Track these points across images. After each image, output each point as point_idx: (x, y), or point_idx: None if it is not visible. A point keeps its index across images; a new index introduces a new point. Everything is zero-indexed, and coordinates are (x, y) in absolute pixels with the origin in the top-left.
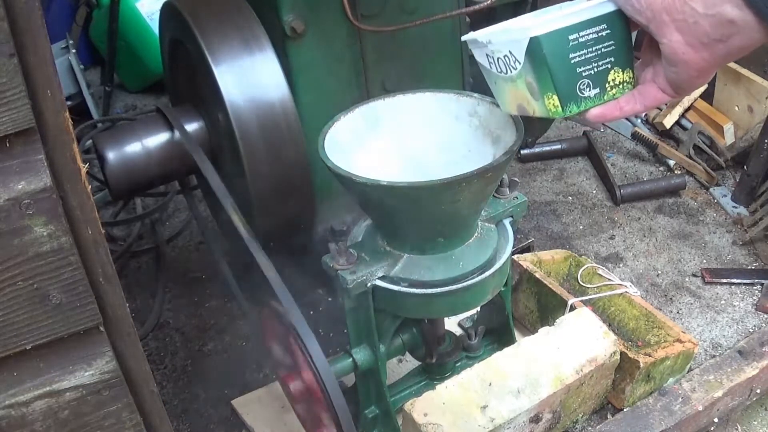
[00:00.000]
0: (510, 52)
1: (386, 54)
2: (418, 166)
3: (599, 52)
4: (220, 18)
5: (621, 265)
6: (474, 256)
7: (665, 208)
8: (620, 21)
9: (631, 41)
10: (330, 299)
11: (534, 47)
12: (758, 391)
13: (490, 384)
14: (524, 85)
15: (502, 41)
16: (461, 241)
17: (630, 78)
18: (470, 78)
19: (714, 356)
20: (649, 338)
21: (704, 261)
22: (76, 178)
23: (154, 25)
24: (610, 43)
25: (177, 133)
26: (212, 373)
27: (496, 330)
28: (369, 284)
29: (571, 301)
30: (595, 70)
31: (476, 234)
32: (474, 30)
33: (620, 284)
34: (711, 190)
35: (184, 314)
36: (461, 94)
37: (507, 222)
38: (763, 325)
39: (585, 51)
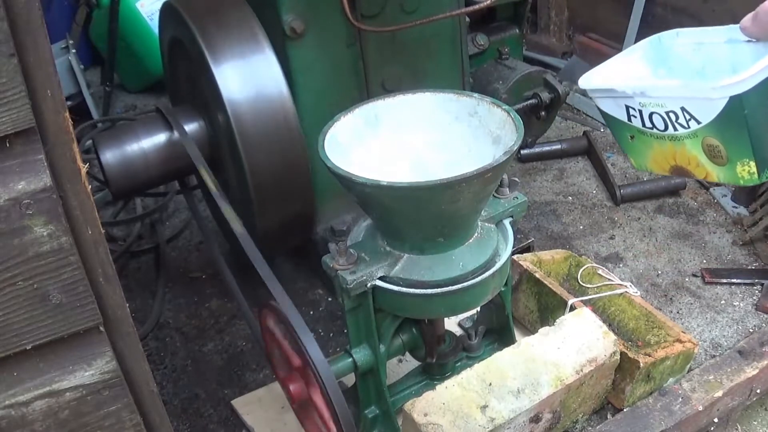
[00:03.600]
0: (683, 109)
1: (386, 54)
2: (418, 166)
3: None
4: (219, 18)
5: (621, 265)
6: (474, 256)
7: (665, 208)
8: None
9: None
10: (330, 299)
11: (732, 108)
12: (758, 391)
13: (490, 384)
14: (698, 147)
15: (669, 96)
16: (461, 241)
17: None
18: (470, 78)
19: (714, 356)
20: (649, 338)
21: (704, 261)
22: (76, 178)
23: (154, 25)
24: None
25: (176, 133)
26: (212, 373)
27: (496, 330)
28: (369, 284)
29: (571, 301)
30: None
31: (476, 234)
32: (473, 31)
33: (620, 284)
34: (711, 190)
35: (184, 314)
36: (461, 94)
37: (507, 222)
38: (763, 325)
39: None
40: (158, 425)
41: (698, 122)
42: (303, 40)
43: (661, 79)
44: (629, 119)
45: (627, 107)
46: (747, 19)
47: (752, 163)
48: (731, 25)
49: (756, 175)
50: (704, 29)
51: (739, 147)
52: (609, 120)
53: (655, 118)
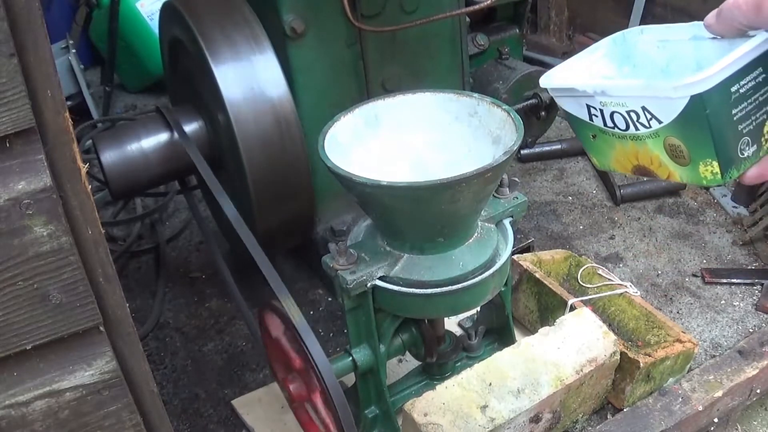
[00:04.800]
0: (644, 109)
1: (386, 54)
2: (418, 166)
3: (757, 102)
4: (220, 18)
5: (621, 265)
6: (474, 256)
7: (665, 208)
8: None
9: None
10: (330, 299)
11: (694, 107)
12: (758, 391)
13: (490, 384)
14: (660, 147)
15: (630, 96)
16: (461, 241)
17: None
18: (470, 78)
19: (714, 356)
20: (649, 338)
21: (704, 261)
22: (76, 178)
23: (154, 25)
24: (766, 89)
25: (176, 133)
26: (212, 373)
27: (496, 330)
28: (369, 284)
29: (571, 301)
30: (754, 124)
31: (476, 234)
32: (473, 31)
33: (620, 284)
34: (711, 190)
35: (184, 314)
36: (461, 94)
37: (507, 222)
38: (763, 325)
39: (745, 104)
40: (158, 425)
41: (659, 122)
42: (303, 40)
43: (625, 78)
44: (591, 119)
45: (588, 106)
46: (711, 16)
47: (715, 163)
48: (696, 22)
49: (719, 176)
50: (669, 26)
51: (701, 147)
52: (571, 119)
53: (616, 117)
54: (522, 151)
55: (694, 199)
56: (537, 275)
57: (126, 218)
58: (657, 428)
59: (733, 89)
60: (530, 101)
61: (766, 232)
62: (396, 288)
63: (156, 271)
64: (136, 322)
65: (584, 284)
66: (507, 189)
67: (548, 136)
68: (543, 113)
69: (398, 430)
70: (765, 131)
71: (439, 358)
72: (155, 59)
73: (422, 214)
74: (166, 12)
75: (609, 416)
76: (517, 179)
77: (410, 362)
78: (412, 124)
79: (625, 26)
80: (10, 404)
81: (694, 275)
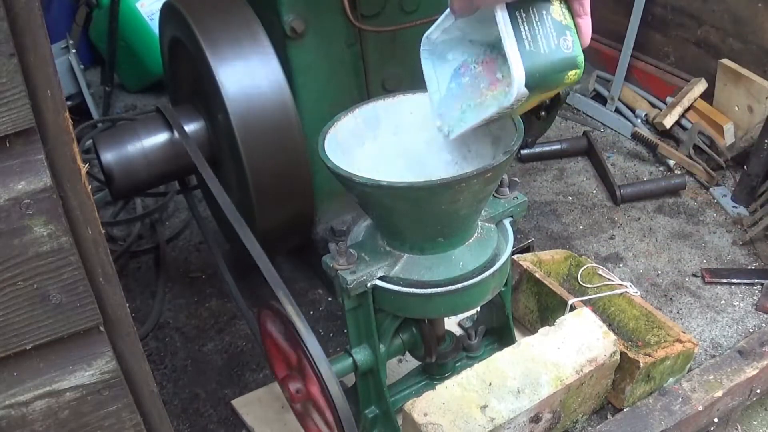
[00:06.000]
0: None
1: (386, 54)
2: (418, 166)
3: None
4: (220, 18)
5: (621, 265)
6: (474, 256)
7: (665, 208)
8: None
9: None
10: (330, 299)
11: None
12: (758, 391)
13: (490, 384)
14: None
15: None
16: (461, 241)
17: None
18: None
19: (714, 356)
20: (649, 338)
21: (704, 261)
22: (76, 178)
23: (154, 25)
24: None
25: (177, 133)
26: (212, 373)
27: (496, 330)
28: (369, 284)
29: (571, 301)
30: None
31: (476, 234)
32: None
33: (620, 284)
34: (711, 190)
35: (184, 314)
36: None
37: (507, 222)
38: (763, 325)
39: None
40: (158, 425)
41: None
42: (303, 40)
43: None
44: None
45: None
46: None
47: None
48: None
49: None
50: (436, 23)
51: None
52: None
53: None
54: (522, 151)
55: (694, 199)
56: (537, 275)
57: (126, 218)
58: (657, 428)
59: None
60: None
61: (766, 232)
62: (396, 288)
63: (156, 271)
64: (136, 322)
65: (584, 284)
66: (507, 189)
67: (548, 136)
68: (543, 113)
69: (398, 430)
70: None
71: (439, 358)
72: (155, 59)
73: (422, 214)
74: (166, 12)
75: (609, 416)
76: (517, 179)
77: (410, 362)
78: (412, 124)
79: (625, 26)
80: (10, 404)
81: (694, 275)
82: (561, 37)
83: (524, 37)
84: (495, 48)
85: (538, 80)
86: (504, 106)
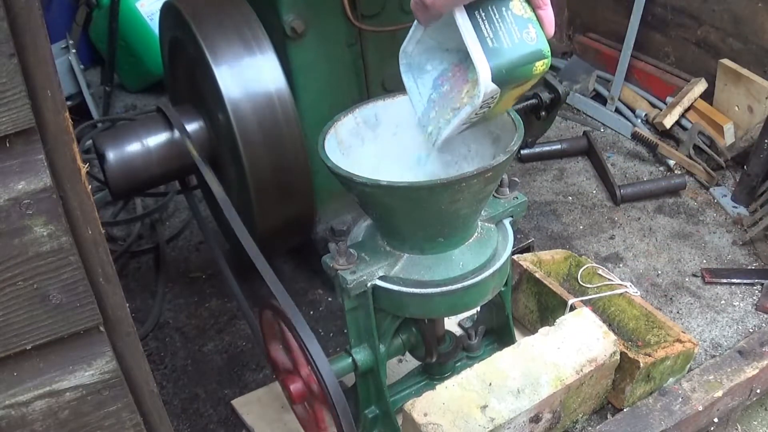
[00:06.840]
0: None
1: (386, 54)
2: (418, 166)
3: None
4: (220, 18)
5: (621, 265)
6: (474, 256)
7: (665, 208)
8: None
9: None
10: (330, 299)
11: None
12: (758, 391)
13: (490, 384)
14: None
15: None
16: (461, 241)
17: None
18: None
19: (714, 356)
20: (649, 338)
21: (704, 261)
22: (76, 178)
23: (154, 25)
24: None
25: (177, 133)
26: (212, 373)
27: (496, 330)
28: (369, 284)
29: (571, 301)
30: None
31: (476, 234)
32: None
33: (620, 284)
34: (711, 190)
35: (184, 314)
36: None
37: (507, 222)
38: (763, 325)
39: None
40: (158, 425)
41: None
42: (303, 40)
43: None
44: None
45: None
46: (415, 10)
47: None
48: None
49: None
50: (408, 35)
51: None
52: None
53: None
54: (522, 151)
55: (694, 199)
56: (537, 275)
57: (126, 218)
58: (657, 428)
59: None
60: (530, 101)
61: (766, 232)
62: (396, 288)
63: (156, 271)
64: (136, 322)
65: (584, 284)
66: (507, 189)
67: (548, 136)
68: (543, 113)
69: (398, 430)
70: None
71: (439, 358)
72: (155, 59)
73: (422, 214)
74: (166, 12)
75: (609, 416)
76: (517, 179)
77: (410, 362)
78: (412, 124)
79: (625, 26)
80: (10, 404)
81: (694, 275)
82: (524, 31)
83: (486, 35)
84: (466, 52)
85: (506, 75)
86: (476, 105)
